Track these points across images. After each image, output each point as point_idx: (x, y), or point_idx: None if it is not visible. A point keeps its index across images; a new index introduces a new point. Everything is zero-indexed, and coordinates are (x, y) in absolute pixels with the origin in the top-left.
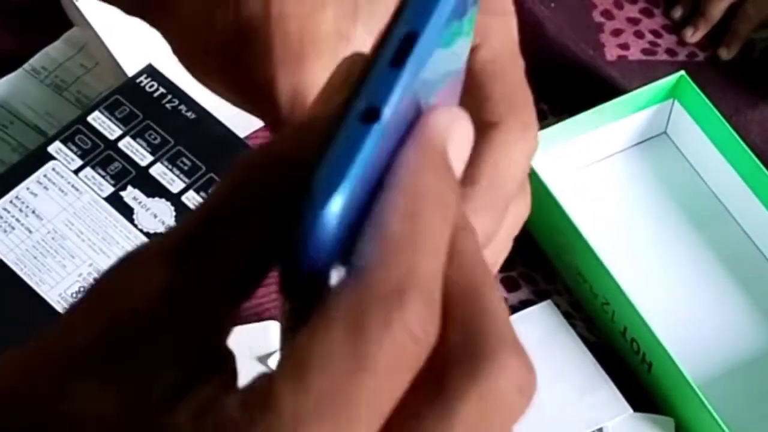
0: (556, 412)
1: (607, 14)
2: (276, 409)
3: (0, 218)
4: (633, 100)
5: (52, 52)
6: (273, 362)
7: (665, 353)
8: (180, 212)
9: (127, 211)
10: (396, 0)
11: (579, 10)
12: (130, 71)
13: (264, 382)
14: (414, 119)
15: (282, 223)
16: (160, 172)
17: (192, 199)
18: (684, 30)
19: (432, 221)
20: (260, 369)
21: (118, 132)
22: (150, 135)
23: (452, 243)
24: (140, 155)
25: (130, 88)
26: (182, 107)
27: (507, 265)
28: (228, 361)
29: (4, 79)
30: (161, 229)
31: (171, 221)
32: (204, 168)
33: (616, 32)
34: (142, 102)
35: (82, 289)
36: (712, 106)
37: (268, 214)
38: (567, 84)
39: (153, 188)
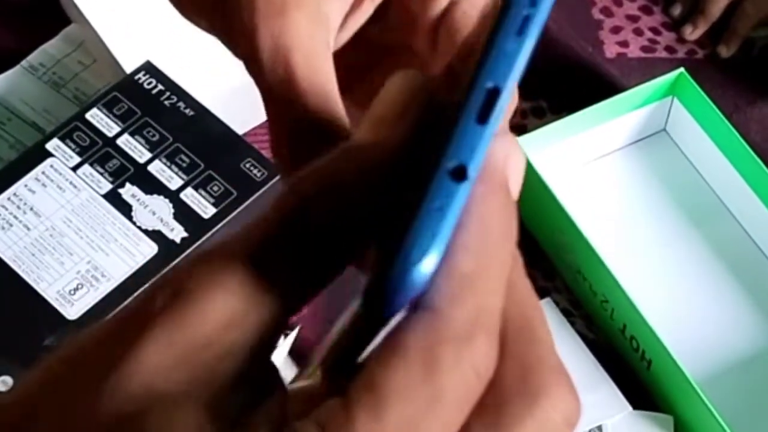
0: None
1: (607, 12)
2: None
3: None
4: (632, 97)
5: (50, 49)
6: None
7: (664, 351)
8: (178, 209)
9: (125, 208)
10: None
11: (578, 8)
12: (129, 68)
13: (339, 410)
14: None
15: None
16: (158, 169)
17: (190, 196)
18: (683, 27)
19: (498, 259)
20: None
21: (117, 129)
22: (148, 132)
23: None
24: (138, 152)
25: (128, 85)
26: (180, 104)
27: None
28: (278, 376)
29: (2, 76)
30: (159, 226)
31: (169, 218)
32: (202, 165)
33: (616, 29)
34: (141, 99)
35: (80, 285)
36: (711, 104)
37: (333, 231)
38: (566, 81)
39: (151, 185)
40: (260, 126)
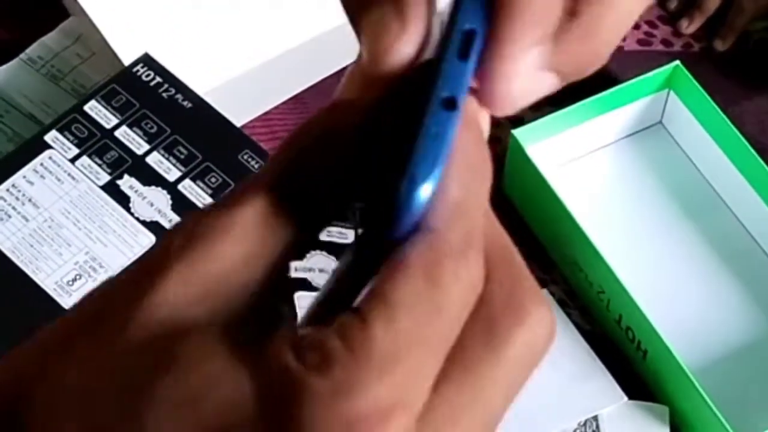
0: (551, 400)
1: None
2: (375, 345)
3: None
4: (628, 90)
5: (49, 41)
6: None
7: (660, 341)
8: (176, 201)
9: (123, 200)
10: None
11: None
12: (127, 60)
13: (355, 321)
14: None
15: (368, 193)
16: (156, 160)
17: (188, 187)
18: (680, 21)
19: (480, 188)
20: None
21: (115, 121)
22: (146, 124)
23: None
24: (136, 144)
25: (126, 77)
26: (178, 96)
27: None
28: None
29: (1, 68)
30: (157, 217)
31: (167, 210)
32: (200, 157)
33: None
34: (139, 91)
35: (78, 276)
36: (707, 96)
37: (337, 169)
38: None
39: (149, 177)
40: (258, 118)
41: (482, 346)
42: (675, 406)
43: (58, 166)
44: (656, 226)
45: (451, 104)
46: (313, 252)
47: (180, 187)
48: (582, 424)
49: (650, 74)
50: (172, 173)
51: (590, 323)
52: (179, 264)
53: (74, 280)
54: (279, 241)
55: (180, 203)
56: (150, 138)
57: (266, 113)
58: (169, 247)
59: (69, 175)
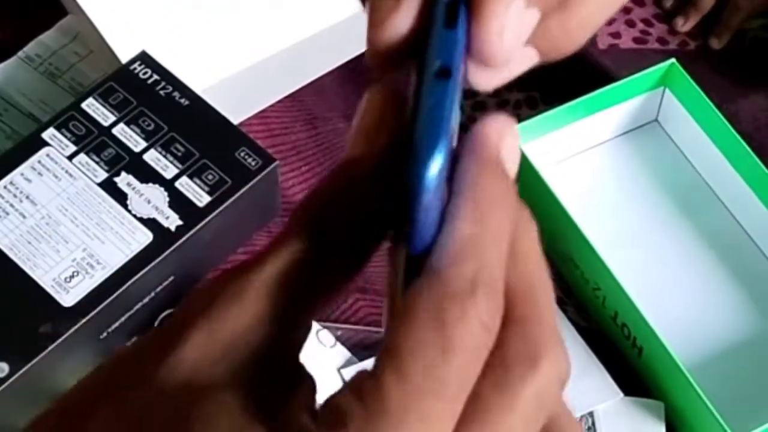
0: None
1: None
2: (387, 396)
3: None
4: (624, 87)
5: (47, 39)
6: None
7: (656, 338)
8: (173, 198)
9: (120, 197)
10: None
11: None
12: (124, 58)
13: (367, 378)
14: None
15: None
16: (153, 158)
17: (185, 184)
18: (675, 19)
19: (496, 222)
20: None
21: (112, 118)
22: (144, 121)
23: (515, 241)
24: (134, 141)
25: (123, 74)
26: (176, 94)
27: None
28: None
29: None
30: (155, 214)
31: (164, 207)
32: (197, 154)
33: (608, 21)
34: (136, 89)
35: (75, 273)
36: (702, 94)
37: (346, 236)
38: (559, 72)
39: (146, 174)
40: (255, 116)
41: (496, 394)
42: (670, 403)
43: (56, 163)
44: (652, 224)
45: (444, 73)
46: None
47: (177, 184)
48: (578, 420)
49: (646, 72)
50: (169, 170)
51: (586, 320)
52: (200, 324)
53: (72, 276)
54: (298, 299)
55: (177, 200)
56: (147, 135)
57: (263, 111)
58: (191, 308)
59: (66, 172)
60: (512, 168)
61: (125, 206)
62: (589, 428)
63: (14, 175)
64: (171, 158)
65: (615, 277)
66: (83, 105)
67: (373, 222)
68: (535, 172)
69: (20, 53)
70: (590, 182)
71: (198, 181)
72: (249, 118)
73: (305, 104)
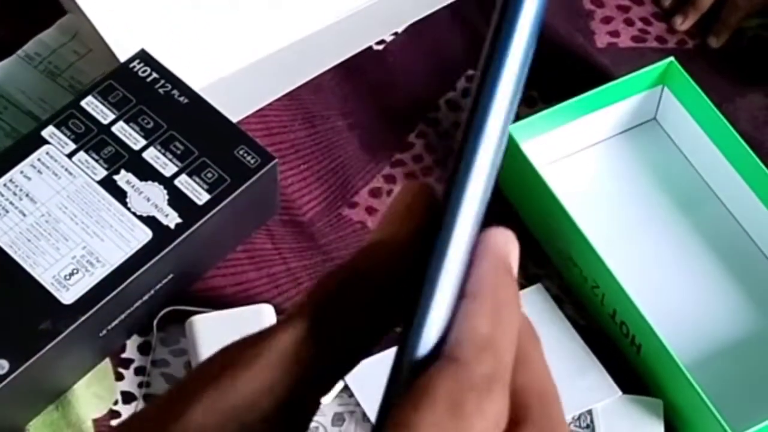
0: None
1: (598, 2)
2: None
3: None
4: (623, 86)
5: (46, 38)
6: None
7: (654, 336)
8: (172, 196)
9: (120, 195)
10: None
11: None
12: (123, 57)
13: None
14: None
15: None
16: (152, 156)
17: (184, 182)
18: (674, 18)
19: (509, 325)
20: None
21: (112, 116)
22: (143, 119)
23: (523, 348)
24: (133, 139)
25: (123, 73)
26: (175, 92)
27: None
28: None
29: None
30: (154, 212)
31: (163, 205)
32: (196, 152)
33: (607, 20)
34: (135, 87)
35: (75, 271)
36: (701, 92)
37: (356, 320)
38: (558, 71)
39: (146, 172)
40: (254, 114)
41: None
42: (669, 400)
43: (56, 161)
44: (650, 222)
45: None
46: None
47: (176, 182)
48: (576, 418)
49: (644, 70)
50: (168, 168)
51: (585, 318)
52: (208, 391)
53: (71, 274)
54: (306, 371)
55: (176, 198)
56: (146, 133)
57: (262, 109)
58: (202, 373)
59: (66, 170)
60: (515, 274)
61: (125, 204)
62: (587, 426)
63: (14, 173)
64: (170, 156)
65: (613, 276)
66: (83, 103)
67: (388, 308)
68: (533, 171)
69: (20, 52)
70: (589, 180)
71: (197, 179)
72: (248, 117)
73: (304, 103)
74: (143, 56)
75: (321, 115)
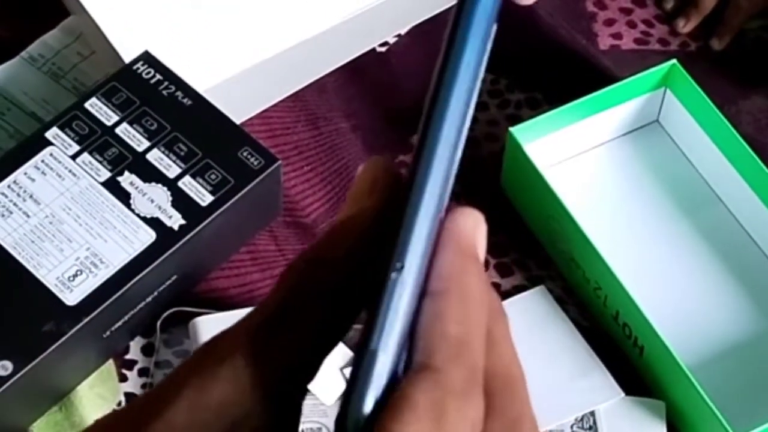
0: (549, 396)
1: (600, 4)
2: None
3: None
4: (625, 88)
5: (50, 40)
6: None
7: (657, 337)
8: (176, 197)
9: (123, 196)
10: None
11: (572, 0)
12: (127, 58)
13: None
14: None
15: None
16: (156, 157)
17: (188, 184)
18: (676, 20)
19: (479, 321)
20: None
21: (115, 118)
22: (146, 121)
23: (490, 330)
24: (137, 141)
25: (126, 74)
26: (178, 94)
27: (500, 251)
28: None
29: (2, 66)
30: (158, 213)
31: (167, 206)
32: (200, 154)
33: (609, 22)
34: (139, 88)
35: (79, 272)
36: (703, 95)
37: (326, 303)
38: (561, 73)
39: (149, 173)
40: (257, 116)
41: None
42: (672, 402)
43: (59, 162)
44: (653, 224)
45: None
46: None
47: (180, 183)
48: (579, 419)
49: (647, 72)
50: (172, 170)
51: (587, 319)
52: (186, 390)
53: (75, 275)
54: (284, 359)
55: (180, 200)
56: (150, 135)
57: (265, 111)
58: (178, 375)
59: (70, 171)
60: (482, 256)
61: (128, 205)
62: (590, 427)
63: (18, 174)
64: (174, 158)
65: (616, 277)
66: (86, 105)
67: (354, 289)
68: (536, 172)
69: (23, 53)
70: (591, 182)
71: (201, 181)
72: (251, 118)
73: (307, 104)
74: (147, 58)
75: (324, 116)
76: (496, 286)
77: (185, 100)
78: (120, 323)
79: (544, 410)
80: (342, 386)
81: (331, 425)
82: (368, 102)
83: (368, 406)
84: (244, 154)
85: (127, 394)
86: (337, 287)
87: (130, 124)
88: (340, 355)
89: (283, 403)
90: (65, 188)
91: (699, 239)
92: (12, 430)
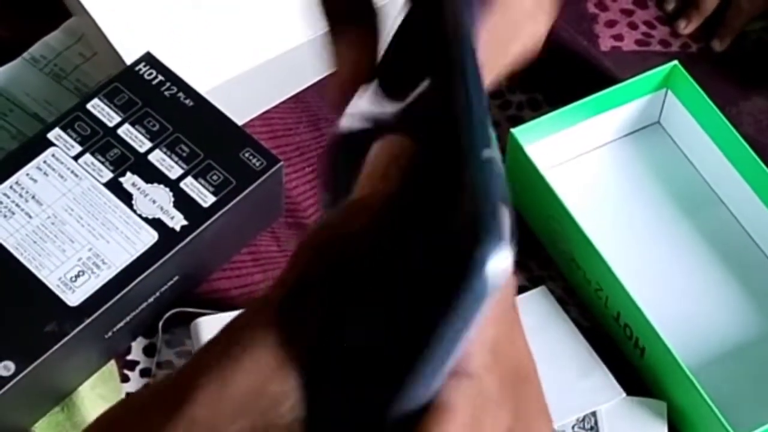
0: (550, 397)
1: (601, 5)
2: None
3: (0, 203)
4: (626, 89)
5: (52, 41)
6: None
7: (658, 338)
8: (178, 198)
9: (125, 197)
10: None
11: (574, 2)
12: (129, 60)
13: None
14: None
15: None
16: (158, 158)
17: (190, 185)
18: (677, 22)
19: (511, 327)
20: None
21: (117, 119)
22: (148, 122)
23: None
24: (139, 142)
25: (128, 75)
26: (180, 95)
27: None
28: None
29: (4, 68)
30: (159, 214)
31: (169, 207)
32: (202, 155)
33: (611, 23)
34: (141, 89)
35: (81, 273)
36: (704, 96)
37: (347, 274)
38: (562, 74)
39: (151, 174)
40: (259, 117)
41: None
42: (673, 402)
43: (62, 163)
44: (654, 225)
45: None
46: None
47: (182, 184)
48: (580, 419)
49: (648, 74)
50: (174, 171)
51: (589, 320)
52: (210, 381)
53: (77, 276)
54: (311, 337)
55: (182, 200)
56: (152, 136)
57: (267, 112)
58: (199, 365)
59: (72, 172)
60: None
61: (130, 206)
62: (591, 428)
63: (20, 175)
64: (176, 159)
65: (617, 278)
66: (88, 106)
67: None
68: (538, 174)
69: (25, 54)
70: (593, 183)
71: (203, 182)
72: (253, 119)
73: (309, 105)
74: (149, 59)
75: (326, 117)
76: None
77: (187, 101)
78: (122, 324)
79: None
80: None
81: None
82: None
83: (407, 407)
84: (246, 155)
85: (129, 395)
86: (355, 260)
87: (132, 125)
88: None
89: (315, 375)
90: (67, 189)
91: (700, 240)
92: (14, 431)
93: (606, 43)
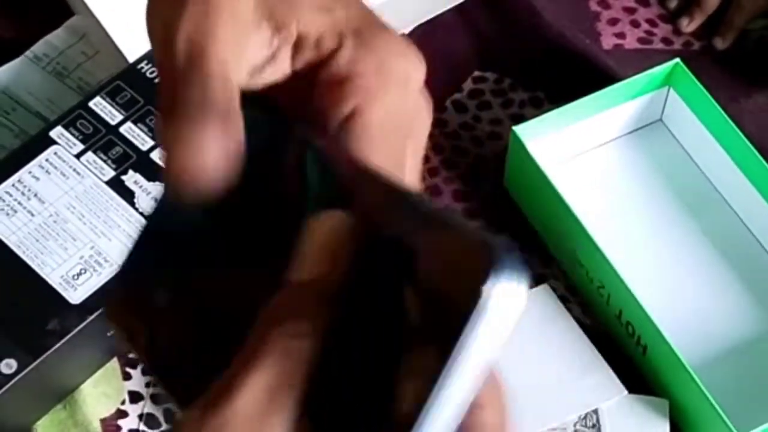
0: (552, 394)
1: (604, 3)
2: None
3: (2, 201)
4: (628, 87)
5: (54, 39)
6: None
7: (660, 336)
8: None
9: (128, 195)
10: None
11: (576, 0)
12: (131, 58)
13: None
14: None
15: None
16: (160, 156)
17: None
18: (680, 20)
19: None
20: None
21: (120, 117)
22: (151, 120)
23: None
24: (141, 140)
25: (131, 73)
26: None
27: None
28: None
29: (6, 66)
30: None
31: None
32: None
33: (613, 21)
34: (143, 87)
35: (83, 270)
36: (707, 94)
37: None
38: (564, 72)
39: (154, 172)
40: None
41: None
42: (674, 400)
43: (64, 161)
44: (656, 223)
45: None
46: None
47: None
48: (582, 417)
49: (650, 72)
50: None
51: (591, 318)
52: (253, 375)
53: (79, 274)
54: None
55: None
56: (154, 134)
57: None
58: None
59: (74, 170)
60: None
61: (132, 204)
62: (593, 425)
63: (22, 173)
64: None
65: (619, 276)
66: (91, 104)
67: None
68: (540, 172)
69: (28, 53)
70: (595, 181)
71: None
72: None
73: None
74: (151, 57)
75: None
76: None
77: None
78: None
79: (547, 408)
80: None
81: None
82: None
83: None
84: None
85: (131, 393)
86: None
87: (135, 123)
88: None
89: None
90: (69, 187)
91: (702, 238)
92: (16, 428)
93: (608, 41)
